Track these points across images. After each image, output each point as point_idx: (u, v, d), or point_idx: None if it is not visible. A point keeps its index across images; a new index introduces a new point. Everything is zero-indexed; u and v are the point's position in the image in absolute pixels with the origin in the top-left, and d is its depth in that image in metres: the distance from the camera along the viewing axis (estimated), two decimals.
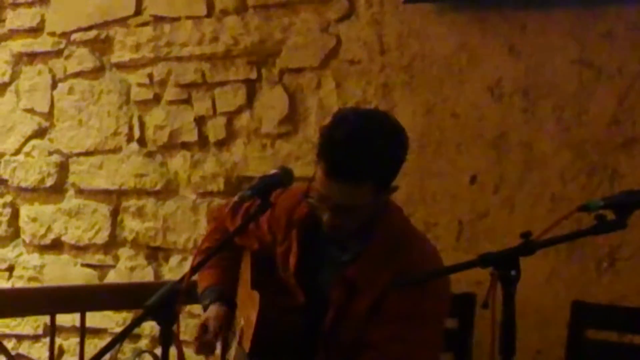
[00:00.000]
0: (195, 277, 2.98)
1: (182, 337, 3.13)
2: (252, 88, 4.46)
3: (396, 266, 2.78)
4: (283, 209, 2.96)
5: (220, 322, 3.05)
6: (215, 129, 4.56)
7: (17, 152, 5.18)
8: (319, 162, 2.74)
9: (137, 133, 4.79)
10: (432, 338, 2.83)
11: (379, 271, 2.80)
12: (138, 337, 4.71)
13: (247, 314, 2.98)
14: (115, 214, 4.87)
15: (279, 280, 3.00)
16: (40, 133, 5.12)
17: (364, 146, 2.69)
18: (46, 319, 4.57)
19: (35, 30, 5.12)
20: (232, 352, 3.00)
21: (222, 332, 3.06)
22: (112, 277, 4.86)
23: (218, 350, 3.24)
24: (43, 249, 5.10)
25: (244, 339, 2.96)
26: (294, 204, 2.98)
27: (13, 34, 5.19)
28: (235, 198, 2.72)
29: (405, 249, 2.83)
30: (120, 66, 4.86)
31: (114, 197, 4.88)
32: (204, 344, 3.05)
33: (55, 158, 5.05)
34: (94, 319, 4.53)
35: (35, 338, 5.07)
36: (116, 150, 4.86)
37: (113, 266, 4.87)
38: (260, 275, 3.04)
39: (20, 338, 5.11)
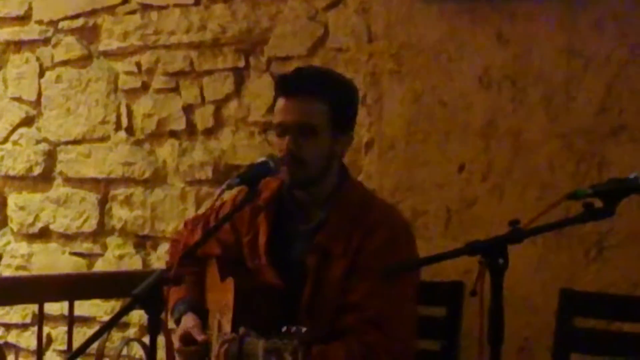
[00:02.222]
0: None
1: (170, 325, 3.13)
2: (240, 76, 4.45)
3: (363, 227, 2.91)
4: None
5: (201, 328, 3.02)
6: (204, 118, 4.55)
7: (4, 140, 5.16)
8: (276, 99, 2.98)
9: (125, 121, 4.78)
10: (409, 291, 2.92)
11: (347, 234, 2.91)
12: (127, 325, 4.71)
13: (221, 312, 2.97)
14: (103, 202, 4.86)
15: (249, 270, 3.03)
16: (28, 121, 5.10)
17: (313, 70, 3.26)
18: (34, 307, 4.56)
19: (23, 18, 5.10)
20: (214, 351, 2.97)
21: (207, 337, 3.03)
22: (100, 266, 4.85)
23: None
24: (31, 237, 5.08)
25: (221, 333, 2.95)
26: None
27: (0, 22, 5.17)
28: (223, 186, 2.75)
29: (368, 210, 2.96)
30: (108, 54, 4.85)
31: (102, 186, 4.86)
32: (191, 355, 3.01)
33: (43, 146, 5.03)
34: (83, 307, 4.53)
35: (24, 327, 5.05)
36: (104, 138, 4.85)
37: (101, 255, 4.86)
38: (228, 269, 3.04)
39: (8, 327, 5.10)
